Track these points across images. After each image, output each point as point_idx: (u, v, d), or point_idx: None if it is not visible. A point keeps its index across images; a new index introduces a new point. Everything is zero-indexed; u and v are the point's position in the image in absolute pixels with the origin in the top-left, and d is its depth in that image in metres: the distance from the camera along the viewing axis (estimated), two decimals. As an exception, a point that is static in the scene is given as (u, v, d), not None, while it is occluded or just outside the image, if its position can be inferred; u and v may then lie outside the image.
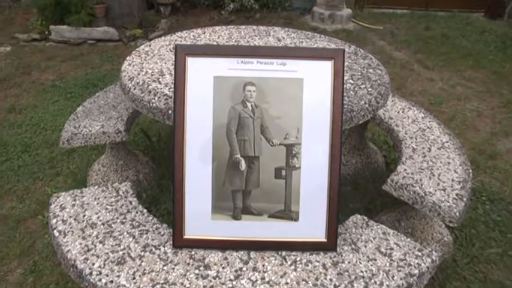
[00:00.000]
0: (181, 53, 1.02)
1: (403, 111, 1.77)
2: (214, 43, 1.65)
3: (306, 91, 1.03)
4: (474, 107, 2.78)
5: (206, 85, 1.02)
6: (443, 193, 1.26)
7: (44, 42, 3.64)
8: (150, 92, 1.25)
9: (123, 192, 1.20)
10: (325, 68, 1.03)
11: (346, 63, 1.49)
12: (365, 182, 1.87)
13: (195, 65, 1.02)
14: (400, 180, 1.30)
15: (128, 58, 1.50)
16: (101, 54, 3.47)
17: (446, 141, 1.57)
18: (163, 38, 1.72)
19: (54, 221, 1.10)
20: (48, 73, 3.07)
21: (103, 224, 1.09)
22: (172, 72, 1.34)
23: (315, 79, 1.03)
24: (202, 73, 1.02)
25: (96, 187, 1.22)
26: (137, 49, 1.60)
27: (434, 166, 1.40)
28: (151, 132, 2.25)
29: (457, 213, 1.20)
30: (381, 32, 4.33)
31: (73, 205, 1.16)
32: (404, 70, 3.40)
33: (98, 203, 1.16)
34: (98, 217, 1.11)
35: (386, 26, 4.51)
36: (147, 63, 1.45)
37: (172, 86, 1.21)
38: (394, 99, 1.87)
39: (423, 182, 1.30)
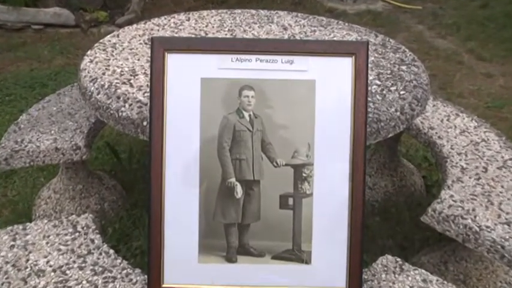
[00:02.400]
0: (159, 48, 1.06)
1: (448, 119, 1.81)
2: (202, 34, 1.71)
3: (319, 96, 1.07)
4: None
5: (191, 89, 1.06)
6: (508, 228, 1.28)
7: (-30, 27, 3.65)
8: (118, 97, 1.30)
9: (83, 227, 1.23)
10: (344, 66, 1.07)
11: (371, 59, 1.54)
12: (398, 212, 1.90)
13: (176, 64, 1.07)
14: (445, 209, 1.33)
15: (88, 52, 1.56)
16: (51, 44, 3.53)
17: (510, 158, 1.59)
18: (135, 26, 1.78)
19: (-15, 269, 1.10)
20: (-23, 69, 3.12)
21: (54, 271, 1.10)
22: (148, 72, 1.39)
23: (330, 81, 1.07)
24: (186, 74, 1.07)
25: (45, 221, 1.24)
26: (101, 40, 1.65)
27: (492, 192, 1.42)
28: (120, 148, 2.29)
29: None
30: (419, 13, 4.41)
31: (11, 246, 1.17)
32: (451, 63, 3.46)
33: (47, 243, 1.18)
34: (48, 261, 1.13)
35: (426, 5, 4.60)
36: (115, 60, 1.50)
37: (148, 90, 1.26)
38: (437, 104, 1.92)
39: (477, 212, 1.32)
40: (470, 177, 1.49)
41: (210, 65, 1.07)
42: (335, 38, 1.71)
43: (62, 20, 3.74)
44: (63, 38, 3.64)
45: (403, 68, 1.52)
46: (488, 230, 1.27)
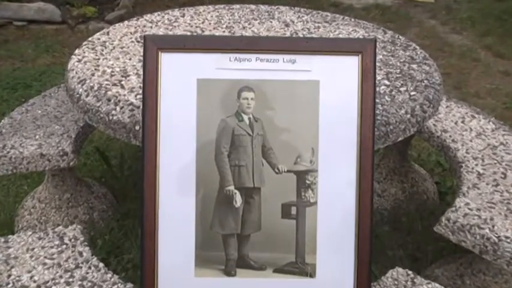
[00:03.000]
0: (152, 47, 1.08)
1: (463, 121, 1.82)
2: (198, 31, 1.72)
3: (323, 98, 1.08)
4: None
5: (187, 91, 1.08)
6: (529, 239, 1.27)
7: None
8: (109, 100, 1.31)
9: (70, 239, 1.24)
10: (350, 65, 1.09)
11: (379, 58, 1.56)
12: (410, 221, 1.91)
13: (171, 64, 1.08)
14: (460, 218, 1.33)
15: (76, 52, 1.57)
16: (35, 42, 3.54)
17: (530, 163, 1.58)
18: (126, 22, 1.80)
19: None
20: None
21: (39, 287, 1.11)
22: (140, 73, 1.41)
23: (335, 81, 1.09)
24: (181, 74, 1.08)
25: (28, 233, 1.25)
26: (90, 38, 1.67)
27: (512, 199, 1.42)
28: (111, 153, 2.30)
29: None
30: (431, 7, 4.42)
31: (-7, 260, 1.17)
32: (466, 61, 3.47)
33: (31, 256, 1.18)
34: (32, 277, 1.13)
35: (439, -2, 4.61)
36: (105, 60, 1.51)
37: (140, 91, 1.27)
38: (450, 104, 1.93)
39: (496, 222, 1.32)
40: (487, 184, 1.49)
41: (206, 65, 1.08)
42: (340, 35, 1.72)
43: (47, 16, 3.75)
44: (48, 35, 3.66)
45: (414, 66, 1.53)
46: (508, 241, 1.27)
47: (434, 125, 1.77)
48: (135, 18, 1.83)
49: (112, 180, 2.12)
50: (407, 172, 1.99)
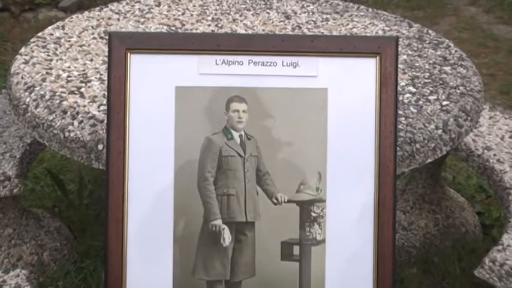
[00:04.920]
0: (120, 47, 1.09)
1: (511, 136, 1.85)
2: (176, 25, 1.74)
3: (332, 110, 1.10)
4: None
5: (163, 102, 1.10)
6: None
7: None
8: (64, 112, 1.32)
9: (14, 288, 1.25)
10: (366, 70, 1.11)
11: (402, 58, 1.58)
12: (444, 261, 1.91)
13: (143, 68, 1.10)
14: (509, 260, 1.32)
15: (23, 50, 1.58)
16: (-34, 34, 3.54)
17: None
18: (86, 13, 1.82)
19: None
20: None
21: None
22: (104, 79, 1.41)
23: (347, 90, 1.11)
24: (156, 81, 1.10)
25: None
26: (40, 33, 1.68)
27: None
28: (67, 177, 2.31)
29: None
30: (471, -10, 4.44)
31: None
32: (516, 58, 3.49)
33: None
34: None
35: (481, -21, 4.64)
36: (60, 61, 1.53)
37: (105, 102, 1.29)
38: (495, 115, 1.95)
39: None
40: (542, 216, 1.50)
41: (188, 70, 1.10)
42: (354, 31, 1.75)
43: (-16, 2, 3.75)
44: (-15, 25, 3.66)
45: (447, 69, 1.56)
46: None
47: (474, 141, 1.78)
48: (98, 8, 1.85)
49: (68, 210, 2.12)
50: (441, 199, 2.01)
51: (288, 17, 1.83)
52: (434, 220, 1.98)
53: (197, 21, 1.77)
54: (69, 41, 1.64)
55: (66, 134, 1.28)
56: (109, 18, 1.78)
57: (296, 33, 1.71)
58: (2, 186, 1.60)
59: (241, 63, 1.11)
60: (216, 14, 1.83)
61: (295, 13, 1.86)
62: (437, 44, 1.70)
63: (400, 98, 1.38)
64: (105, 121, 1.13)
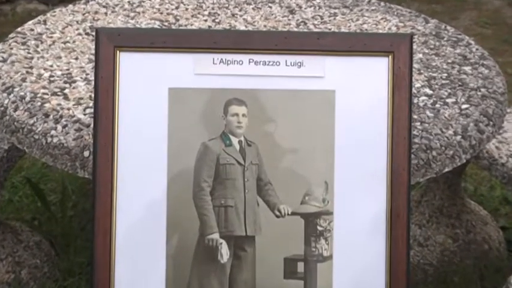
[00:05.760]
0: (108, 44, 1.10)
1: (538, 143, 1.84)
2: (170, 21, 1.75)
3: (340, 114, 1.11)
4: None
5: (155, 104, 1.10)
6: None
7: None
8: (47, 115, 1.32)
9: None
10: (377, 70, 1.12)
11: (417, 57, 1.58)
12: (465, 281, 1.91)
13: (133, 67, 1.11)
14: None
15: (0, 47, 1.58)
16: None
17: None
18: (71, 6, 1.82)
19: None
20: None
21: None
22: (91, 79, 1.41)
23: (357, 92, 1.12)
24: (147, 82, 1.11)
25: None
26: (19, 29, 1.68)
27: None
28: (48, 186, 2.31)
29: None
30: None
31: None
32: (545, 56, 3.49)
33: None
34: None
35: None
36: (41, 59, 1.53)
37: (91, 105, 1.28)
38: (520, 119, 1.96)
39: None
40: None
41: (182, 70, 1.11)
42: (365, 27, 1.75)
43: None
44: (-43, 19, 3.67)
45: (467, 69, 1.56)
46: None
47: (497, 148, 1.79)
48: (83, 1, 1.85)
49: (49, 223, 2.12)
50: (461, 213, 2.01)
51: (292, 12, 1.83)
52: (454, 235, 1.98)
53: (192, 16, 1.78)
54: (51, 37, 1.64)
55: (49, 139, 1.28)
56: (96, 13, 1.79)
57: (301, 30, 1.71)
58: (-23, 196, 1.61)
59: (240, 62, 1.11)
60: (213, 8, 1.83)
61: (300, 7, 1.86)
62: (457, 42, 1.71)
63: (415, 100, 1.39)
64: (92, 125, 1.14)
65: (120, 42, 1.11)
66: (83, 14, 1.78)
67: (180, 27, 1.72)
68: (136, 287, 1.10)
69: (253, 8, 1.85)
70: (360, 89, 1.13)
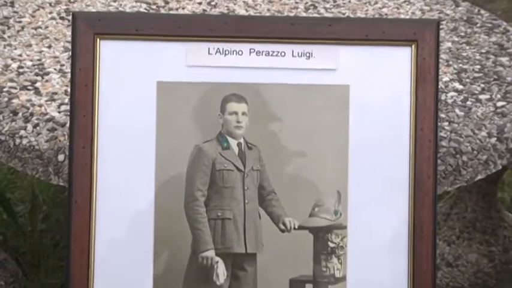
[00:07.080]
0: (87, 30, 1.10)
1: None
2: (159, 4, 1.76)
3: (355, 112, 1.12)
4: None
5: (142, 100, 1.11)
6: None
7: None
8: (15, 113, 1.33)
9: None
10: (398, 62, 1.13)
11: (445, 47, 1.59)
12: None
13: (116, 58, 1.12)
14: None
15: None
16: None
17: None
18: (43, -16, 1.84)
19: None
20: None
21: None
22: (66, 71, 1.43)
23: (374, 87, 1.14)
24: (133, 75, 1.12)
25: None
26: None
27: None
28: (15, 195, 2.33)
29: None
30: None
31: None
32: None
33: None
34: None
35: None
36: (8, 47, 1.54)
37: (67, 100, 1.30)
38: None
39: None
40: None
41: (173, 61, 1.12)
42: (384, 11, 1.76)
43: None
44: None
45: (504, 60, 1.57)
46: None
47: (539, 152, 1.81)
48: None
49: (16, 238, 2.13)
50: (497, 228, 2.02)
51: (300, -5, 1.85)
52: (489, 254, 1.99)
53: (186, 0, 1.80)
54: (20, 21, 1.65)
55: (17, 140, 1.28)
56: (72, -6, 1.81)
57: (310, 15, 1.73)
58: None
59: (240, 52, 1.12)
60: (209, -10, 1.85)
61: (310, -12, 1.88)
62: (492, 28, 1.72)
63: (442, 97, 1.40)
64: (68, 125, 1.14)
65: (101, 29, 1.11)
66: (57, -6, 1.79)
67: (171, 12, 1.72)
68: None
69: (255, -10, 1.87)
70: (377, 83, 1.14)
